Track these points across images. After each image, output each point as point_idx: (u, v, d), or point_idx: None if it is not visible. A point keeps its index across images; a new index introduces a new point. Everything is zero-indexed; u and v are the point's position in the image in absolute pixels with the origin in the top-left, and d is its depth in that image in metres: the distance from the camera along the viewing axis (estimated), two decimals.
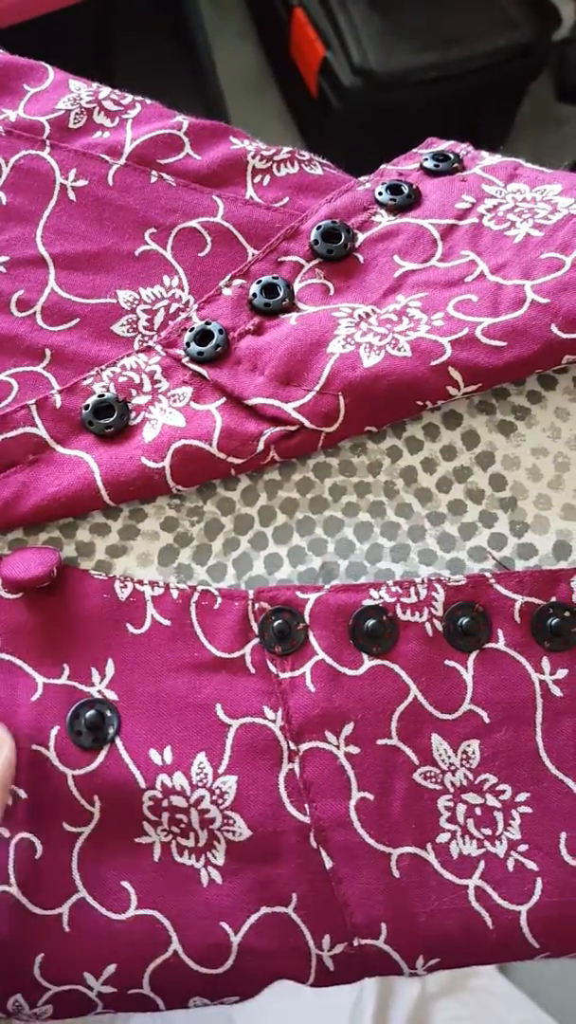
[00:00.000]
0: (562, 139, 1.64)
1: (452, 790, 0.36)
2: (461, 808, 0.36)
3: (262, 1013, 1.06)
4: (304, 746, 0.36)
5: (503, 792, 0.36)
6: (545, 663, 0.37)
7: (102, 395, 0.39)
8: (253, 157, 0.43)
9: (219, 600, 0.38)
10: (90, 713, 0.36)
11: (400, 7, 1.36)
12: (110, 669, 0.37)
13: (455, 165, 0.43)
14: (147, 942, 0.35)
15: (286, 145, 0.43)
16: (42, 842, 0.35)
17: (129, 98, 0.44)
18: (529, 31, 1.35)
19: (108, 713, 0.36)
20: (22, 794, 0.36)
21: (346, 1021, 1.07)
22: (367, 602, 0.37)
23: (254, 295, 0.41)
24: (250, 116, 1.54)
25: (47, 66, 0.45)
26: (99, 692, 0.36)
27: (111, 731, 0.36)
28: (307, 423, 0.38)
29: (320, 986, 0.36)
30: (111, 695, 0.36)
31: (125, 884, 0.35)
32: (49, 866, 0.35)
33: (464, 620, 0.37)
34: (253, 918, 0.35)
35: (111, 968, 0.35)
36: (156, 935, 0.35)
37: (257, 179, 0.43)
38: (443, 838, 0.36)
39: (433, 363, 0.37)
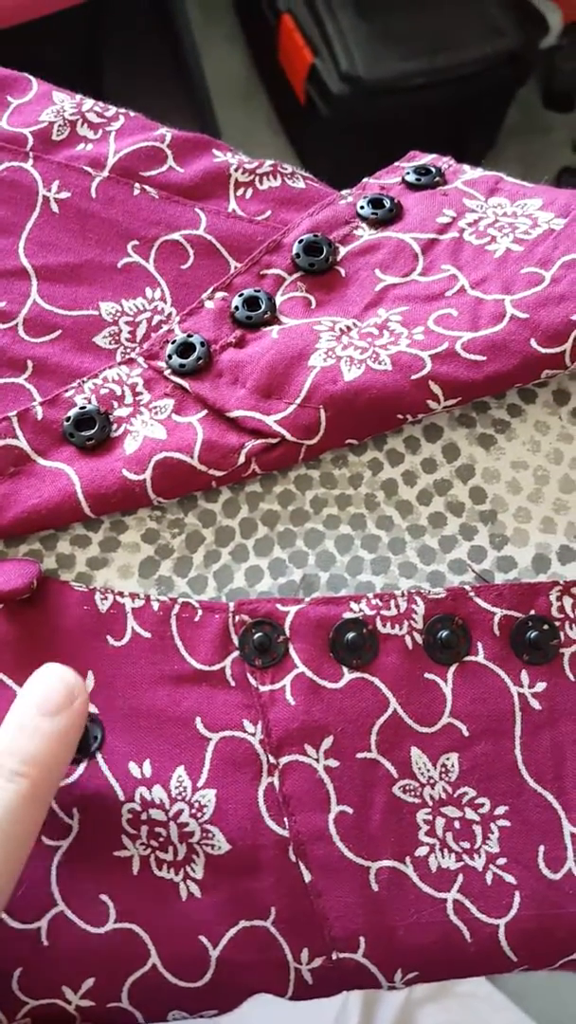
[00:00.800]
0: (549, 146, 1.64)
1: (431, 803, 0.36)
2: (440, 821, 0.36)
3: (247, 1019, 1.06)
4: (283, 759, 0.36)
5: (482, 805, 0.36)
6: (524, 676, 0.37)
7: (84, 407, 0.39)
8: (236, 170, 0.43)
9: (200, 612, 0.38)
10: None
11: (388, 14, 1.36)
12: (90, 682, 0.37)
13: (436, 179, 0.43)
14: (125, 956, 0.35)
15: (275, 151, 0.43)
16: None
17: (112, 110, 0.44)
18: (516, 38, 1.36)
19: (91, 724, 0.36)
20: None
21: None
22: (347, 615, 0.37)
23: (236, 308, 0.41)
24: (239, 122, 1.54)
25: (31, 78, 0.45)
26: None
27: (94, 744, 0.36)
28: (288, 436, 0.38)
29: (299, 999, 0.36)
30: (91, 708, 0.36)
31: (103, 897, 0.35)
32: (28, 880, 0.35)
33: (444, 633, 0.37)
34: (232, 932, 0.35)
35: (89, 982, 0.35)
36: (134, 948, 0.35)
37: (240, 192, 0.43)
38: (422, 851, 0.36)
39: (413, 377, 0.37)
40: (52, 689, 0.33)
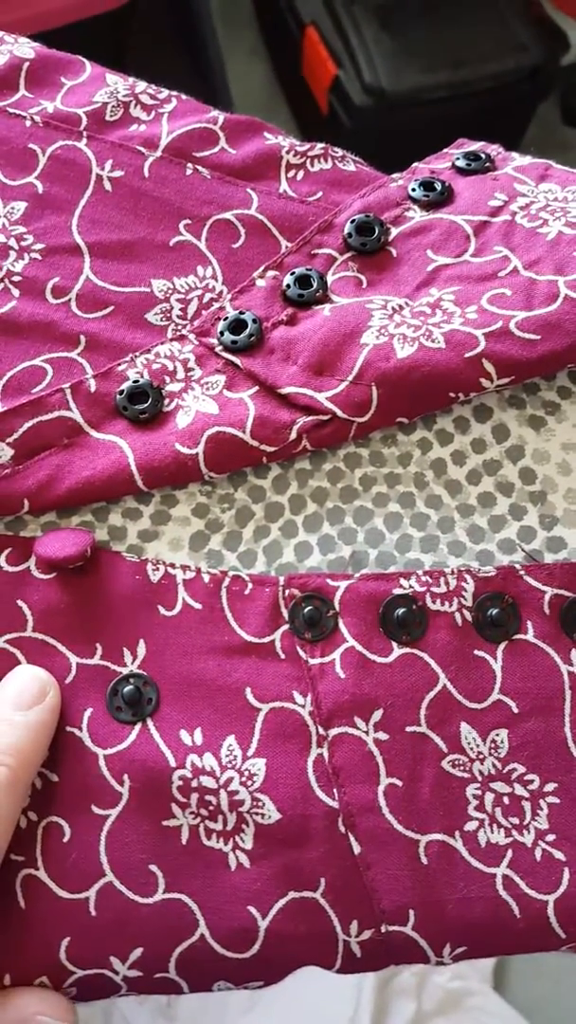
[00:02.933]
0: (568, 163, 1.65)
1: (480, 779, 0.36)
2: (489, 797, 0.36)
3: None
4: (333, 731, 0.36)
5: (531, 782, 0.36)
6: (574, 655, 0.37)
7: (137, 381, 0.39)
8: (287, 152, 0.44)
9: (250, 586, 0.38)
10: (128, 688, 0.36)
11: (411, 28, 1.37)
12: (142, 650, 0.37)
13: (487, 164, 0.44)
14: (174, 926, 0.35)
15: None
16: (70, 825, 0.35)
17: (165, 93, 0.45)
18: (538, 54, 1.37)
19: (145, 687, 0.36)
20: (53, 777, 0.35)
21: None
22: (397, 591, 0.37)
23: (288, 286, 0.41)
24: None
25: (85, 60, 0.46)
26: (131, 672, 0.36)
27: (149, 706, 0.36)
28: (340, 413, 0.38)
29: (346, 972, 0.35)
30: (142, 673, 0.36)
31: (153, 868, 0.35)
32: (77, 849, 0.35)
33: (494, 611, 0.37)
34: (281, 903, 0.35)
35: (138, 952, 0.34)
36: (183, 919, 0.35)
37: (291, 173, 0.44)
38: (471, 826, 0.36)
39: (467, 355, 0.37)
40: (25, 686, 0.35)
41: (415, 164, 0.44)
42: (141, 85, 0.45)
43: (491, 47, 1.37)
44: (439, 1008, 1.12)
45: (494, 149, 0.45)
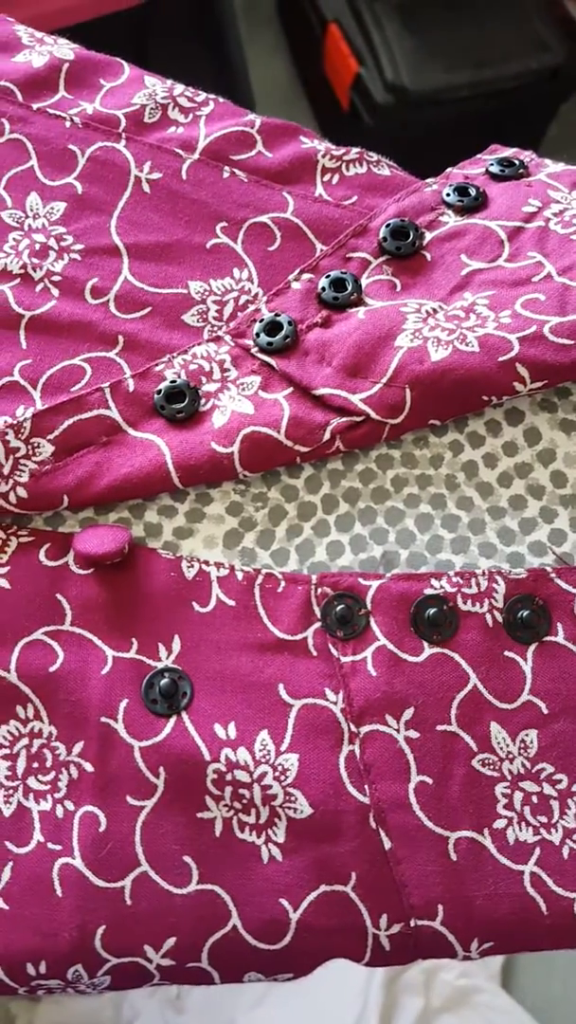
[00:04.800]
0: None
1: (510, 778, 0.37)
2: (518, 795, 0.37)
3: (265, 1023, 1.06)
4: (364, 728, 0.37)
5: (560, 781, 0.37)
6: None
7: (174, 381, 0.40)
8: (323, 156, 0.44)
9: (283, 583, 0.38)
10: (164, 681, 0.36)
11: (434, 26, 1.37)
12: (176, 645, 0.37)
13: (520, 171, 0.44)
14: (207, 917, 0.35)
15: None
16: (106, 815, 0.36)
17: (203, 96, 0.45)
18: (560, 54, 1.37)
19: (180, 681, 0.37)
20: (88, 767, 0.36)
21: None
22: (428, 591, 0.38)
23: (323, 289, 0.41)
24: None
25: (123, 62, 0.46)
26: (166, 666, 0.37)
27: (184, 700, 0.36)
28: (373, 414, 0.39)
29: (375, 965, 0.36)
30: (177, 667, 0.37)
31: (187, 859, 0.36)
32: (112, 839, 0.36)
33: (524, 613, 0.38)
34: (312, 896, 0.35)
35: (171, 941, 0.35)
36: (216, 910, 0.35)
37: (326, 178, 0.44)
38: (500, 824, 0.36)
39: (501, 359, 0.38)
40: None
41: (449, 169, 0.45)
42: (179, 87, 0.45)
43: (513, 46, 1.37)
44: (447, 1005, 1.13)
45: (527, 155, 0.45)
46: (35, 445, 0.39)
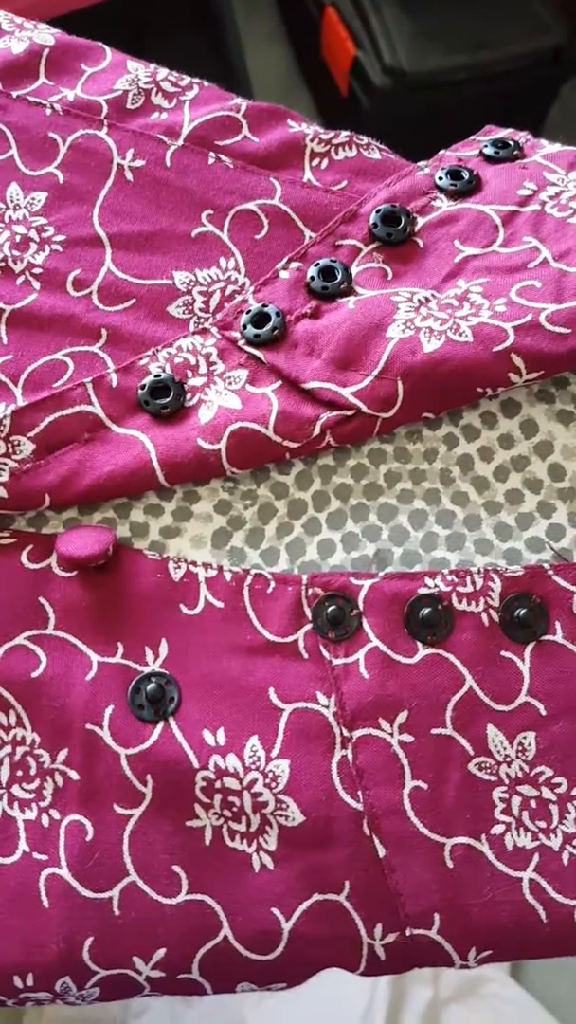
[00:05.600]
0: None
1: (507, 782, 0.36)
2: (516, 800, 0.35)
3: (274, 1018, 1.06)
4: (357, 733, 0.35)
5: (559, 785, 0.36)
6: None
7: (158, 375, 0.39)
8: (311, 140, 0.43)
9: (272, 584, 0.37)
10: (150, 687, 0.35)
11: (432, 9, 1.35)
12: (164, 649, 0.36)
13: (515, 152, 0.43)
14: (197, 927, 0.34)
15: None
16: (93, 824, 0.35)
17: (187, 80, 0.44)
18: (560, 35, 1.35)
19: (167, 686, 0.36)
20: (74, 775, 0.35)
21: None
22: (422, 590, 0.37)
23: (312, 278, 0.40)
24: None
25: (105, 47, 0.45)
26: (153, 671, 0.36)
27: (171, 705, 0.35)
28: (364, 408, 0.38)
29: (370, 975, 0.35)
30: (164, 672, 0.36)
31: (176, 868, 0.35)
32: (100, 849, 0.35)
33: (521, 611, 0.37)
34: (305, 905, 0.34)
35: (161, 953, 0.34)
36: (206, 920, 0.34)
37: (315, 162, 0.43)
38: (497, 830, 0.35)
39: (495, 349, 0.37)
40: None
41: (442, 152, 0.43)
42: (162, 72, 0.44)
43: (512, 28, 1.35)
44: (455, 995, 1.12)
45: (522, 136, 0.44)
46: (15, 443, 0.37)
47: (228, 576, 0.37)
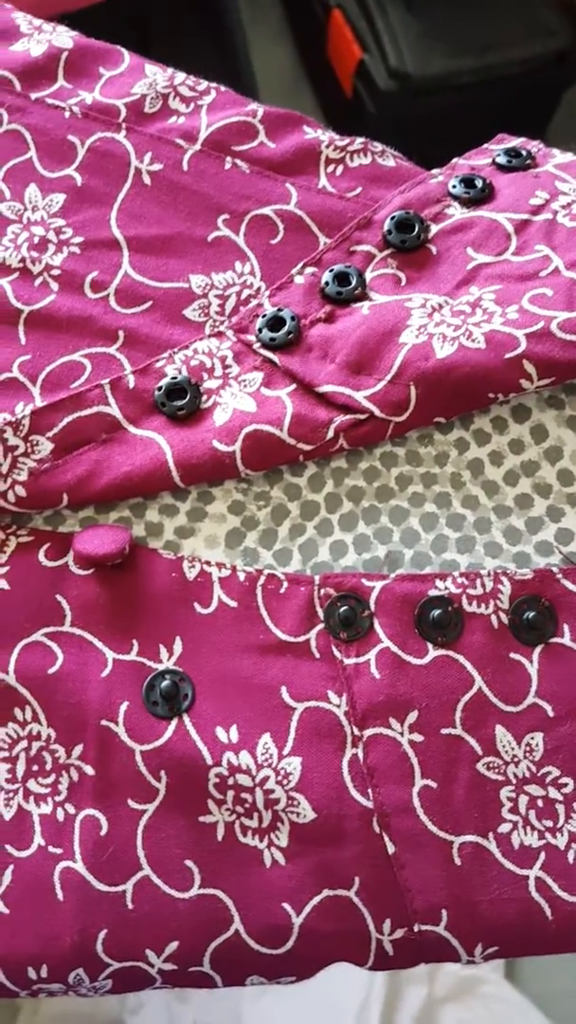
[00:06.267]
0: None
1: (515, 781, 0.36)
2: (523, 799, 0.36)
3: (269, 1014, 1.06)
4: (368, 732, 0.36)
5: (565, 785, 0.36)
6: None
7: (175, 377, 0.39)
8: (327, 147, 0.43)
9: (285, 584, 0.38)
10: (165, 683, 0.36)
11: (437, 12, 1.36)
12: (178, 647, 0.37)
13: (527, 162, 0.43)
14: (209, 921, 0.35)
15: None
16: (107, 819, 0.35)
17: (204, 84, 0.45)
18: (565, 39, 1.35)
19: (182, 683, 0.36)
20: (89, 770, 0.36)
21: (352, 1023, 1.07)
22: (433, 592, 0.37)
23: (326, 283, 0.41)
24: None
25: (123, 50, 0.45)
26: (167, 668, 0.37)
27: (186, 702, 0.36)
28: (377, 412, 0.38)
29: (378, 970, 0.36)
30: (179, 669, 0.37)
31: (189, 863, 0.35)
32: (114, 843, 0.35)
33: (530, 614, 0.37)
34: (315, 900, 0.35)
35: (173, 946, 0.35)
36: (218, 914, 0.35)
37: (330, 168, 0.43)
38: (505, 828, 0.36)
39: (507, 356, 0.37)
40: None
41: (455, 160, 0.44)
42: (180, 76, 0.45)
43: (517, 32, 1.36)
44: (451, 994, 1.13)
45: (535, 145, 0.44)
46: (34, 443, 0.38)
47: (241, 576, 0.38)
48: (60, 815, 0.36)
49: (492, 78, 1.36)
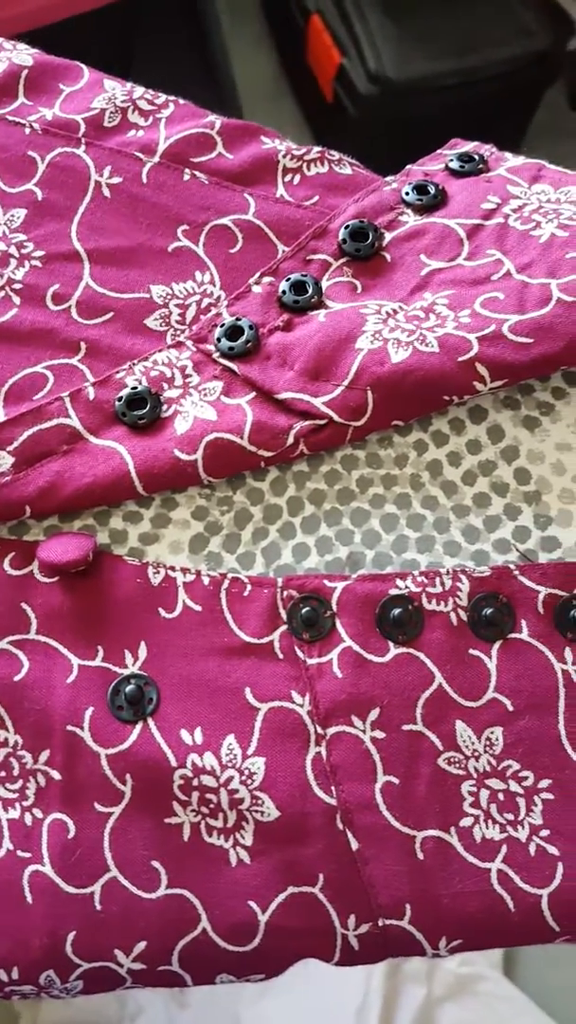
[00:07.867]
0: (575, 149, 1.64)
1: (475, 775, 0.37)
2: (484, 793, 0.37)
3: (268, 1015, 1.07)
4: (331, 730, 0.37)
5: (526, 778, 0.37)
6: (568, 653, 0.38)
7: (135, 388, 0.40)
8: (284, 156, 0.44)
9: (248, 587, 0.38)
10: (129, 688, 0.37)
11: (416, 14, 1.36)
12: (143, 652, 0.38)
13: (480, 166, 0.44)
14: (177, 920, 0.35)
15: None
16: (75, 822, 0.36)
17: (163, 98, 0.45)
18: (545, 39, 1.36)
19: (146, 687, 0.37)
20: (56, 775, 0.36)
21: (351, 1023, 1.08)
22: (393, 591, 0.38)
23: (283, 292, 0.41)
24: (265, 123, 1.55)
25: (82, 66, 0.46)
26: (132, 673, 0.37)
27: (150, 706, 0.37)
28: (336, 417, 0.39)
29: (344, 965, 0.36)
30: (143, 674, 0.37)
31: (155, 864, 0.36)
32: (81, 846, 0.36)
33: (488, 610, 0.38)
34: (280, 897, 0.36)
35: (141, 945, 0.35)
36: (185, 913, 0.36)
37: (288, 178, 0.44)
38: (466, 822, 0.36)
39: (460, 359, 0.38)
40: None
41: (409, 166, 0.45)
42: (139, 90, 0.45)
43: (497, 33, 1.36)
44: (449, 993, 1.13)
45: (487, 149, 0.45)
46: None
47: (206, 580, 0.39)
48: (28, 819, 0.36)
49: (472, 80, 1.37)
